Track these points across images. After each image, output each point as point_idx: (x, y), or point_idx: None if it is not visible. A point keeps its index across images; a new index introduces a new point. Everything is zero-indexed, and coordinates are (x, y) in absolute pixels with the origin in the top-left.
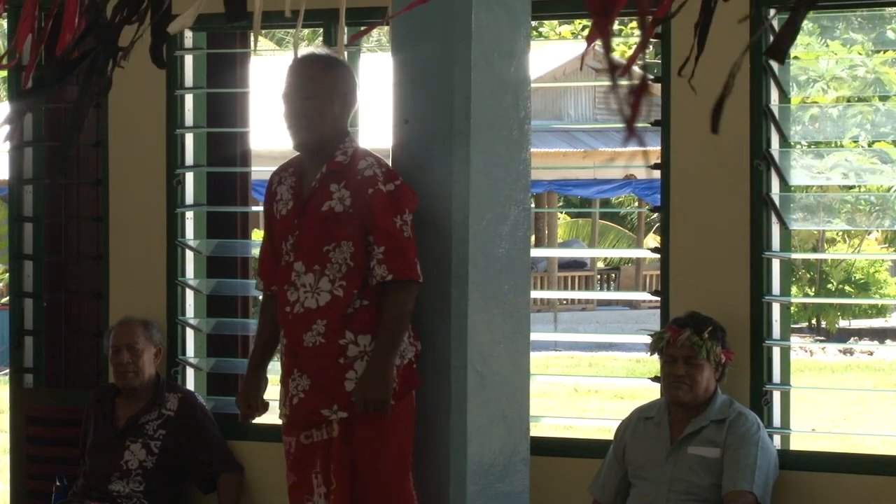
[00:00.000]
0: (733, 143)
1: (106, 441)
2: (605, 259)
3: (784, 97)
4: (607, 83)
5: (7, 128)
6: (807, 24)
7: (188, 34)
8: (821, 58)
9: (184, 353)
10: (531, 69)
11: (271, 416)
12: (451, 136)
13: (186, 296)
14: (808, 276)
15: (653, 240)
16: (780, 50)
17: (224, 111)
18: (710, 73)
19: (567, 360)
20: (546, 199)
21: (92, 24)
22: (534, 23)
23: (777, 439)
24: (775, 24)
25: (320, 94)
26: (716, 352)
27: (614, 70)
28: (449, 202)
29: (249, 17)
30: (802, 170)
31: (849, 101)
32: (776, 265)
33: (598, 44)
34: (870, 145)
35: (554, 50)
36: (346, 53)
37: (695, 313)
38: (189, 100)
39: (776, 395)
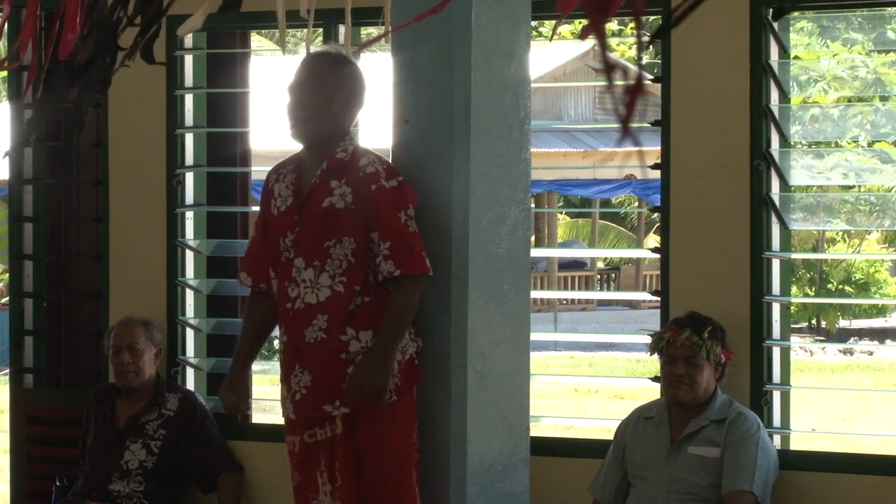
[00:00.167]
0: (733, 143)
1: (106, 441)
2: (605, 259)
3: (784, 97)
4: (604, 83)
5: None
6: (807, 25)
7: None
8: (821, 58)
9: (184, 353)
10: (531, 69)
11: (271, 416)
12: (450, 136)
13: (186, 296)
14: (808, 276)
15: (653, 240)
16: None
17: (224, 111)
18: (711, 73)
19: (567, 360)
20: (546, 199)
21: (94, 24)
22: (534, 23)
23: (777, 439)
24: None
25: (322, 89)
26: (716, 352)
27: (610, 69)
28: (449, 202)
29: (250, 17)
30: (802, 170)
31: (849, 101)
32: (776, 265)
33: (596, 43)
34: (870, 145)
35: (554, 50)
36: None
37: (695, 313)
38: (189, 100)
39: (776, 395)
